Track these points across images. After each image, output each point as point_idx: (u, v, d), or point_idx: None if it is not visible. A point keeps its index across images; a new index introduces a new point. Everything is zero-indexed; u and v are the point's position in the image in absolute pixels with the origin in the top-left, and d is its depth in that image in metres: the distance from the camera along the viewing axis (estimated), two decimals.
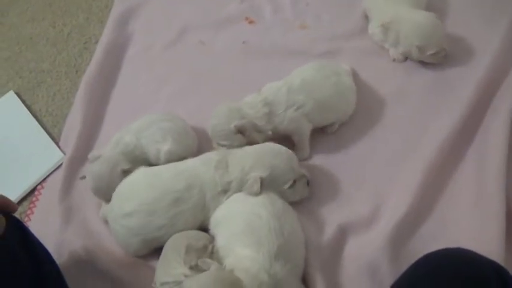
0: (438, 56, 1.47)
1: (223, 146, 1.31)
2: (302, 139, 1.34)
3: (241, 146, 1.29)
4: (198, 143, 1.38)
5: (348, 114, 1.39)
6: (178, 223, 1.18)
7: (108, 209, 1.25)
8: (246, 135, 1.29)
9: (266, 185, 1.19)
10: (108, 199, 1.27)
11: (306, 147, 1.34)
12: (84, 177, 1.32)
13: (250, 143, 1.29)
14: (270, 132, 1.30)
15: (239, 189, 1.21)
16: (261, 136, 1.31)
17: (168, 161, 1.30)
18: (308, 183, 1.25)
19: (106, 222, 1.28)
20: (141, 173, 1.25)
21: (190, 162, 1.26)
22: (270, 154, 1.22)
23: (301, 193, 1.25)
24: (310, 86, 1.34)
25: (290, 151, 1.25)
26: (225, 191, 1.21)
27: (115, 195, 1.24)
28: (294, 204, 1.23)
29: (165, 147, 1.31)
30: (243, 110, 1.31)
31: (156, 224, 1.18)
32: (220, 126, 1.31)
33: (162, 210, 1.18)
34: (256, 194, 1.17)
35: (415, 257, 0.93)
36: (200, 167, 1.23)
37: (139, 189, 1.21)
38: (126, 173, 1.27)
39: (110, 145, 1.34)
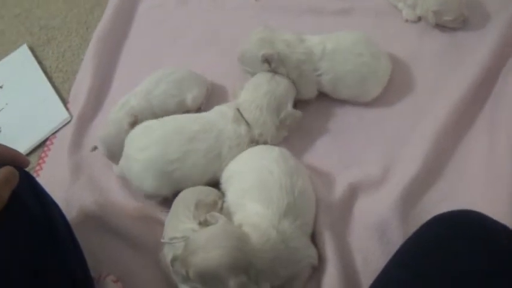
0: (456, 22, 1.44)
1: (247, 72, 1.34)
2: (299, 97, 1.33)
3: None
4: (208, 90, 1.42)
5: (363, 101, 1.35)
6: (189, 160, 1.18)
7: (121, 163, 1.25)
8: (272, 66, 1.28)
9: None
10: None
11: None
12: (95, 148, 1.32)
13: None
14: (294, 76, 1.30)
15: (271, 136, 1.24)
16: (283, 71, 1.30)
17: (197, 105, 1.37)
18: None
19: (121, 178, 1.29)
20: (154, 120, 1.26)
21: (204, 113, 1.28)
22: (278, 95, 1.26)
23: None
24: (338, 56, 1.31)
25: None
26: (252, 141, 1.23)
27: (128, 140, 1.23)
28: (306, 163, 1.24)
29: (190, 95, 1.35)
30: (277, 44, 1.31)
31: (169, 157, 1.18)
32: (249, 52, 1.32)
33: (177, 143, 1.18)
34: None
35: (425, 218, 0.92)
36: (216, 118, 1.24)
37: (154, 128, 1.22)
38: (132, 125, 1.26)
39: (114, 108, 1.33)
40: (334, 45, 1.32)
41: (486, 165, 1.21)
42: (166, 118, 1.26)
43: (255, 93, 1.26)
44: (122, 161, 1.25)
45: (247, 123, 1.24)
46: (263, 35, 1.33)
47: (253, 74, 1.33)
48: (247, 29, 1.39)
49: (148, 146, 1.19)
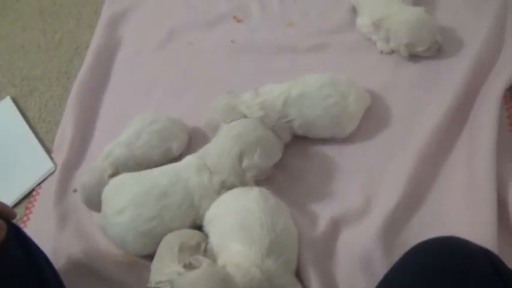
0: (430, 51, 1.46)
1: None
2: None
3: None
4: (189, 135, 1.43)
5: (339, 137, 1.36)
6: (167, 216, 1.19)
7: (101, 216, 1.26)
8: None
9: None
10: (100, 210, 1.27)
11: None
12: (75, 190, 1.33)
13: None
14: None
15: (236, 184, 1.22)
16: None
17: (180, 152, 1.38)
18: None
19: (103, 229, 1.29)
20: (127, 175, 1.26)
21: (173, 164, 1.28)
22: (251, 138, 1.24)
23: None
24: (305, 101, 1.32)
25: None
26: (219, 192, 1.22)
27: (104, 199, 1.24)
28: (287, 200, 1.23)
29: (174, 144, 1.36)
30: (239, 107, 1.33)
31: (146, 216, 1.19)
32: (215, 121, 1.34)
33: (150, 202, 1.19)
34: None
35: (408, 247, 0.93)
36: (182, 170, 1.24)
37: (126, 187, 1.23)
38: (112, 177, 1.27)
39: (100, 156, 1.34)
40: (299, 91, 1.33)
41: (466, 192, 1.21)
42: (136, 174, 1.26)
43: (227, 136, 1.24)
44: (101, 221, 1.26)
45: (214, 173, 1.22)
46: (225, 101, 1.35)
47: None
48: (225, 70, 1.41)
49: (123, 209, 1.19)
